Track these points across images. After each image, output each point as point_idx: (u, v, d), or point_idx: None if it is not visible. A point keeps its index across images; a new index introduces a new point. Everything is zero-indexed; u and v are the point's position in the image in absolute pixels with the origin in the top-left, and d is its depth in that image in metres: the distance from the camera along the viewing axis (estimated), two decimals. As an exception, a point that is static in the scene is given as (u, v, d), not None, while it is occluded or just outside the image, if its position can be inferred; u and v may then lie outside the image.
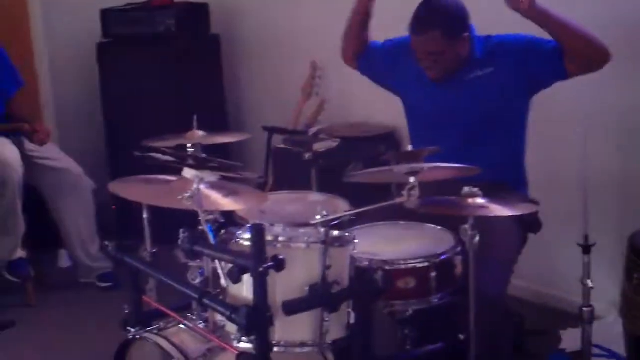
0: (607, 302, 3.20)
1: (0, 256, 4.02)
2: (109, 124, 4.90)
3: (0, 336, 3.78)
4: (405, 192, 2.24)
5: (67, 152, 4.37)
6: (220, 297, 2.23)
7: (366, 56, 3.32)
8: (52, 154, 4.21)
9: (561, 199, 3.12)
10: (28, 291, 4.10)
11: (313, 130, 4.18)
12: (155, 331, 2.42)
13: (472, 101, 2.92)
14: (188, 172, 2.33)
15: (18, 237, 4.01)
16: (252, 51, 4.97)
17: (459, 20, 2.90)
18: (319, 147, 4.00)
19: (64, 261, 4.58)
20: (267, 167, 4.23)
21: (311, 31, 4.59)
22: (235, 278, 2.02)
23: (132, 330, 2.49)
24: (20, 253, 4.04)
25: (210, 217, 2.29)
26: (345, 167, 3.98)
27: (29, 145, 4.14)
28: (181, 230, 2.19)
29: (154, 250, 2.85)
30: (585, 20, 3.10)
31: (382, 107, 4.30)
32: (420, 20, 2.88)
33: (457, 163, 2.46)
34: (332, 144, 4.08)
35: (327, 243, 2.15)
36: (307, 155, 3.90)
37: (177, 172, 2.55)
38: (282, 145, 4.18)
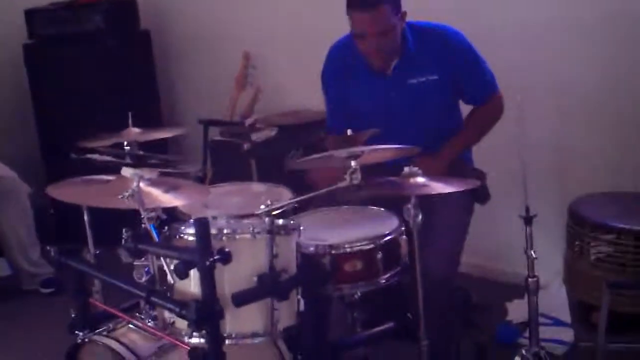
0: (549, 272, 3.27)
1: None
2: (42, 126, 4.82)
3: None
4: (347, 176, 2.24)
5: None
6: (168, 294, 2.21)
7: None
8: (-17, 162, 4.12)
9: (502, 171, 3.16)
10: (-30, 303, 4.03)
11: (249, 120, 4.18)
12: (105, 333, 2.39)
13: (416, 104, 2.95)
14: (126, 171, 2.30)
15: (-45, 248, 3.93)
16: (184, 45, 4.94)
17: None
18: (257, 136, 4.01)
19: (3, 269, 4.49)
20: (204, 160, 4.19)
21: (242, 22, 4.58)
22: (182, 274, 2.00)
23: (80, 333, 2.45)
24: (-40, 264, 3.96)
25: (152, 214, 2.27)
26: (284, 155, 3.98)
27: None
28: (124, 230, 2.17)
29: (97, 252, 2.80)
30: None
31: (316, 94, 4.29)
32: None
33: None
34: (270, 133, 4.09)
35: (273, 232, 2.14)
36: (246, 146, 3.90)
37: (115, 171, 2.52)
38: (219, 138, 4.17)
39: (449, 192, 2.43)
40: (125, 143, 2.83)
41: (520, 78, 3.28)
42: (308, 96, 4.38)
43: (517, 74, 3.34)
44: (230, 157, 4.07)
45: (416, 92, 2.95)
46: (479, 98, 3.05)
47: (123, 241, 2.16)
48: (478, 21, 3.39)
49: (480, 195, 3.02)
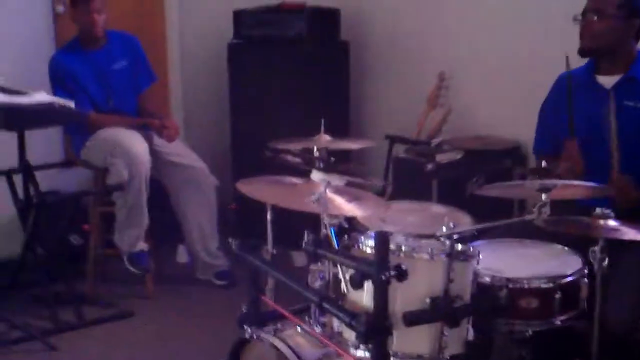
0: None
1: (123, 247, 4.12)
2: (235, 124, 4.96)
3: (119, 325, 3.91)
4: (535, 209, 2.18)
5: (193, 149, 4.45)
6: (340, 303, 2.22)
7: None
8: (178, 150, 4.29)
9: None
10: (147, 283, 4.21)
11: (436, 141, 4.15)
12: (272, 332, 2.42)
13: (626, 128, 2.84)
14: (316, 175, 2.34)
15: (142, 229, 4.10)
16: (380, 59, 4.96)
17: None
18: (442, 158, 3.97)
19: (182, 256, 4.68)
20: (386, 175, 4.21)
21: (440, 41, 4.56)
22: (357, 284, 2.01)
23: (249, 329, 2.50)
24: (142, 245, 4.13)
25: (335, 221, 2.29)
26: (467, 180, 3.92)
27: (157, 141, 4.24)
28: (306, 232, 2.19)
29: (274, 252, 2.85)
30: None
31: (507, 121, 4.24)
32: None
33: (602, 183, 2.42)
34: (455, 155, 4.03)
35: (452, 256, 2.11)
36: (429, 166, 3.87)
37: (302, 174, 2.57)
38: (403, 155, 4.16)
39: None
40: (315, 148, 2.87)
41: None
42: (498, 123, 4.32)
43: None
44: (412, 175, 4.06)
45: (629, 116, 2.85)
46: None
47: (304, 243, 2.18)
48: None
49: None
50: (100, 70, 4.24)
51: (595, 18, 2.84)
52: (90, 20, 4.13)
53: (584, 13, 2.89)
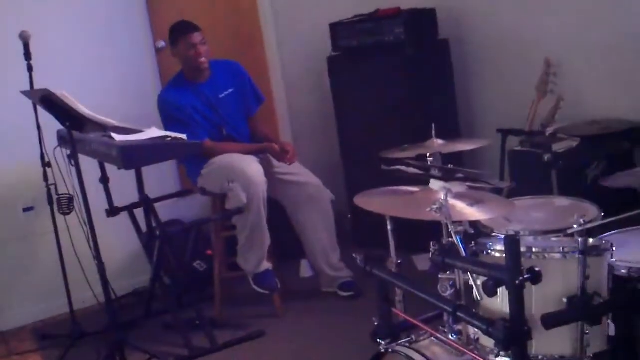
0: None
1: (248, 269, 4.17)
2: (343, 135, 4.98)
3: (252, 346, 3.95)
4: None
5: (304, 164, 4.48)
6: (473, 310, 2.19)
7: None
8: (293, 169, 4.32)
9: None
10: (275, 302, 4.25)
11: (550, 130, 4.04)
12: (407, 344, 2.41)
13: None
14: (435, 184, 2.31)
15: (264, 249, 4.14)
16: (482, 53, 4.87)
17: None
18: (559, 147, 3.86)
19: (305, 271, 4.72)
20: (502, 171, 4.14)
21: (541, 28, 4.44)
22: (491, 291, 1.97)
23: (383, 342, 2.49)
24: (267, 265, 4.17)
25: (460, 228, 2.26)
26: (587, 167, 3.81)
27: (275, 163, 4.28)
28: (432, 243, 2.17)
29: (399, 261, 2.83)
30: None
31: (622, 102, 4.10)
32: None
33: None
34: (572, 143, 3.92)
35: (586, 252, 2.05)
36: (547, 157, 3.77)
37: (418, 181, 2.54)
38: (518, 148, 4.08)
39: None
40: (429, 154, 2.84)
41: None
42: (613, 104, 4.18)
43: None
44: (529, 167, 3.97)
45: None
46: None
47: (430, 254, 2.16)
48: None
49: None
50: (209, 101, 4.31)
51: None
52: (194, 54, 4.21)
53: None
